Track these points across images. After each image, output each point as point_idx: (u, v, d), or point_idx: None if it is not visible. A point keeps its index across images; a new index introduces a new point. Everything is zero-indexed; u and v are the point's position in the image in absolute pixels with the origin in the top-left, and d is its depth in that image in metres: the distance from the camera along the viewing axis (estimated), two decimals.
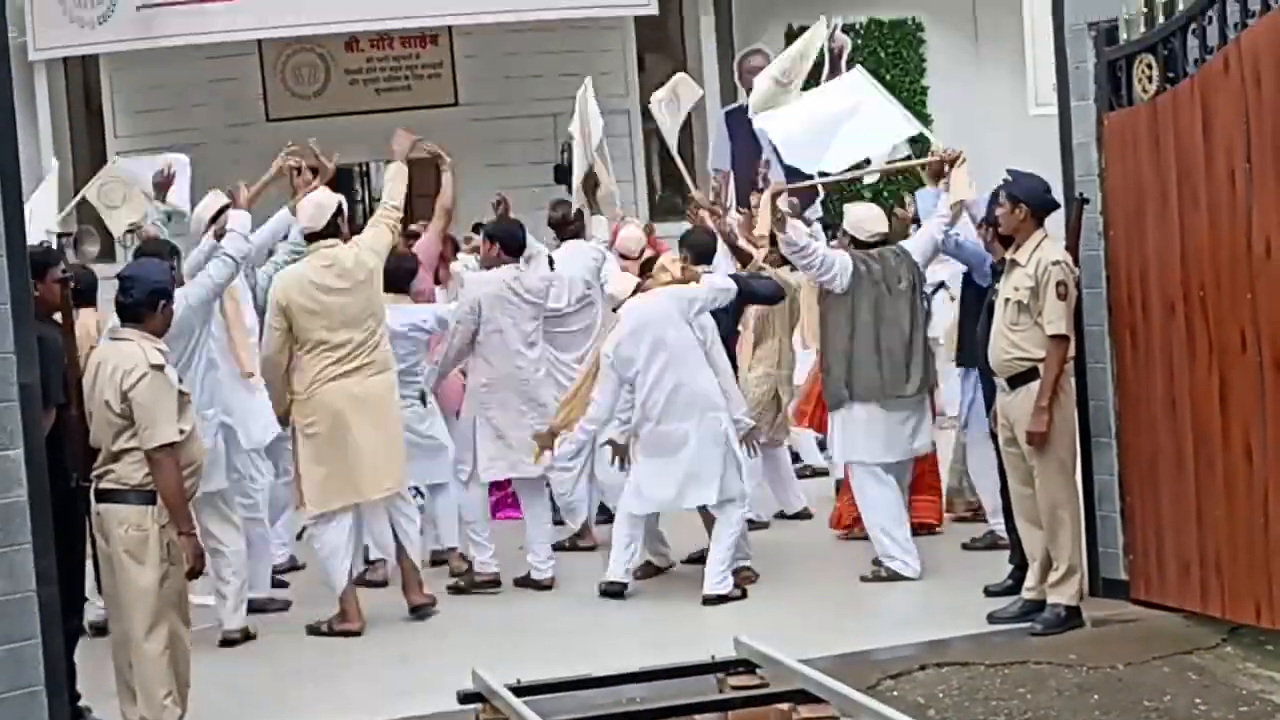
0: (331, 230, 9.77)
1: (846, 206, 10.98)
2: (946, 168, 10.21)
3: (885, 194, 18.13)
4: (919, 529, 10.77)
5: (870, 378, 10.16)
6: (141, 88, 18.53)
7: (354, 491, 9.72)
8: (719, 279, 10.58)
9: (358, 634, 9.67)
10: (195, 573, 7.63)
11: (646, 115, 18.50)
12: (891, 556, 10.21)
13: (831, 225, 13.44)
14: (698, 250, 11.57)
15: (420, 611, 9.94)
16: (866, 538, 10.54)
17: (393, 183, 10.17)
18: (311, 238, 9.81)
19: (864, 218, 10.55)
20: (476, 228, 13.19)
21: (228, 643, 9.55)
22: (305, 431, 9.68)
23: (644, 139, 18.91)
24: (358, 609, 9.76)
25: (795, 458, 13.11)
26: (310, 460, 9.67)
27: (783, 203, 10.51)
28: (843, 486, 11.32)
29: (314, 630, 9.74)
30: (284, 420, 9.88)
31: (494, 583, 10.54)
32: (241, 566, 9.67)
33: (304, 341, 9.60)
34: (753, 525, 11.05)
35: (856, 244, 10.36)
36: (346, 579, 9.77)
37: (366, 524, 10.10)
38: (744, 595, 10.06)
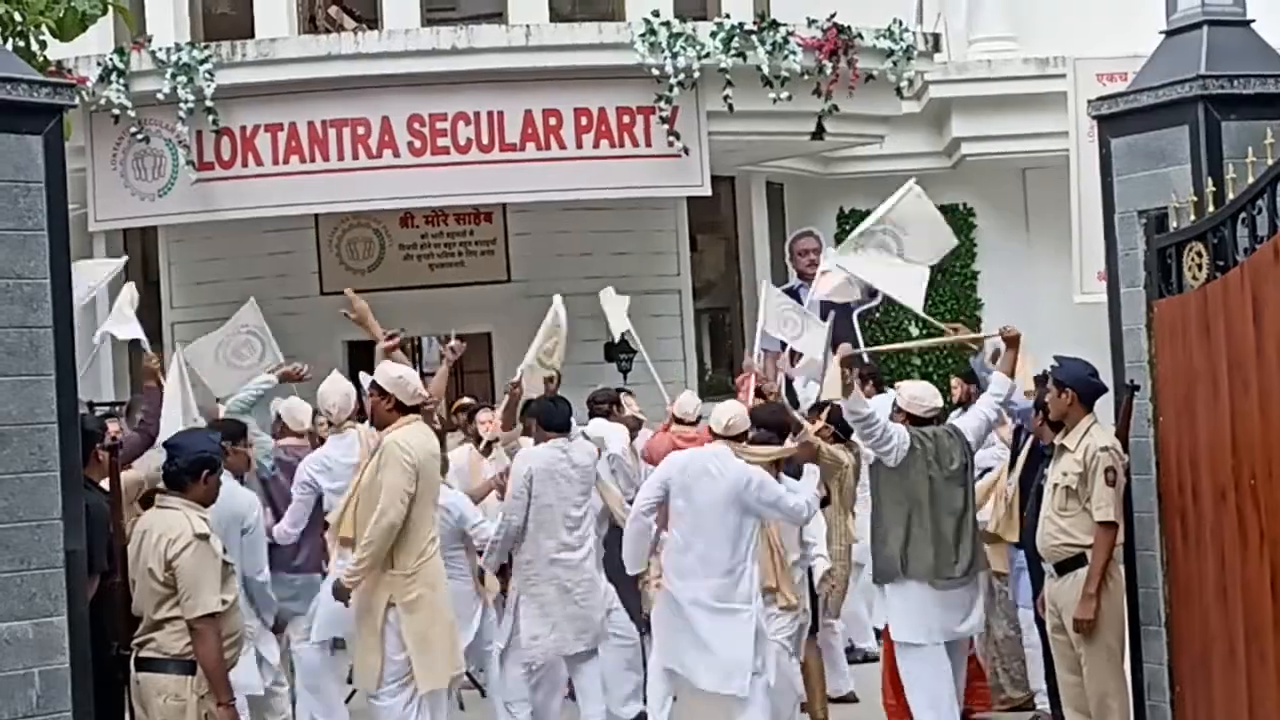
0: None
1: (900, 384, 10.96)
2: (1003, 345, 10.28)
3: (934, 376, 18.13)
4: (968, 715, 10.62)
5: (923, 557, 10.07)
6: (198, 259, 18.76)
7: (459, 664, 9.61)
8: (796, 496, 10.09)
9: None
10: None
11: (697, 294, 18.68)
12: None
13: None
14: (769, 427, 10.82)
15: None
16: None
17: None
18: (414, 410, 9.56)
19: (919, 394, 10.49)
20: (527, 405, 13.28)
21: None
22: (411, 608, 9.24)
23: (694, 318, 18.99)
24: None
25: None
26: (426, 636, 9.30)
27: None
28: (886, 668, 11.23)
29: None
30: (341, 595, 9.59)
31: None
32: None
33: (419, 511, 9.25)
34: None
35: (913, 420, 10.34)
36: None
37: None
38: None
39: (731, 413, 10.09)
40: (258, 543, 9.86)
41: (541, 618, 10.37)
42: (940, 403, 10.58)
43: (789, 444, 10.37)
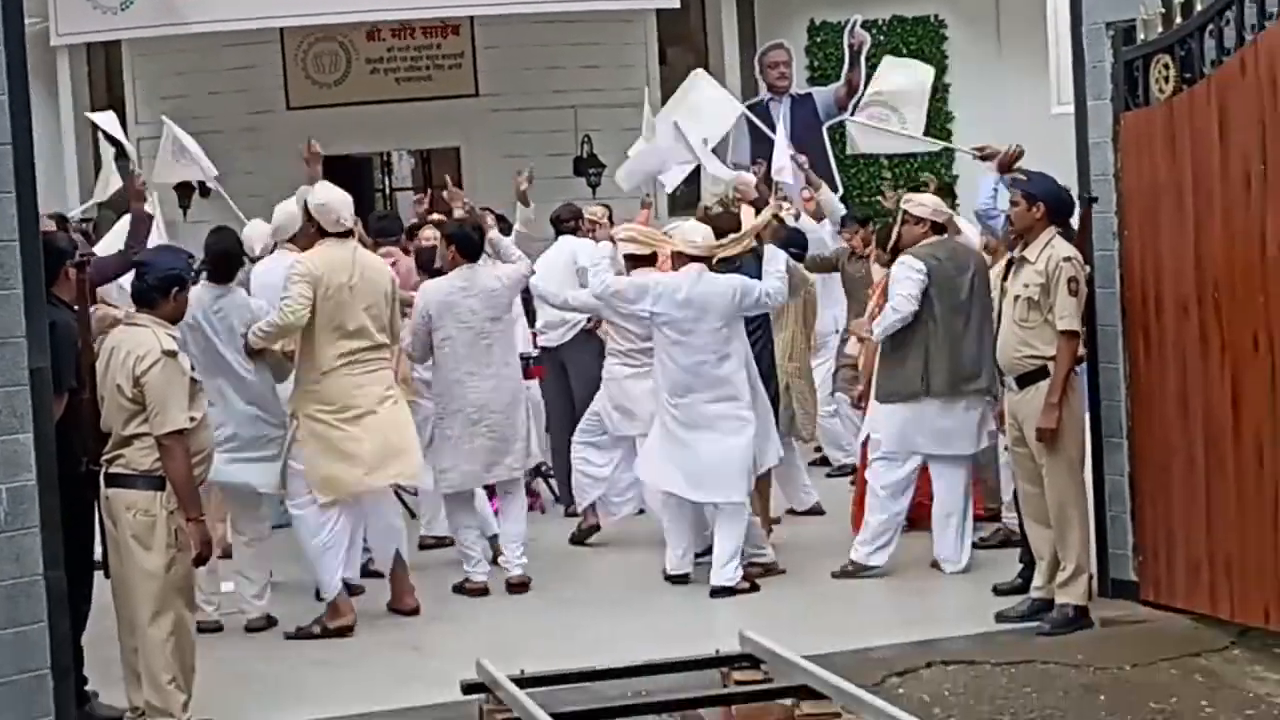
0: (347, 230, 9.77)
1: (911, 195, 10.83)
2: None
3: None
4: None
5: (943, 374, 10.06)
6: (162, 75, 18.55)
7: (362, 479, 9.59)
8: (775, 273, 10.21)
9: (351, 629, 9.54)
10: (202, 559, 7.65)
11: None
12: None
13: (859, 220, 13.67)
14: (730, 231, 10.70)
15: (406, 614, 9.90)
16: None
17: None
18: (324, 234, 9.65)
19: (936, 204, 10.47)
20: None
21: (252, 629, 9.70)
22: (308, 421, 9.50)
23: None
24: (350, 604, 9.63)
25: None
26: (317, 450, 9.51)
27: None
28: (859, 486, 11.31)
29: (304, 633, 9.52)
30: None
31: (483, 591, 10.36)
32: (264, 557, 9.84)
33: (322, 327, 9.40)
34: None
35: (934, 228, 10.27)
36: (340, 577, 9.60)
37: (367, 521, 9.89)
38: (754, 589, 10.07)
39: (701, 232, 10.32)
40: None
41: (452, 450, 10.28)
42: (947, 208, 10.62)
43: (755, 219, 10.70)
